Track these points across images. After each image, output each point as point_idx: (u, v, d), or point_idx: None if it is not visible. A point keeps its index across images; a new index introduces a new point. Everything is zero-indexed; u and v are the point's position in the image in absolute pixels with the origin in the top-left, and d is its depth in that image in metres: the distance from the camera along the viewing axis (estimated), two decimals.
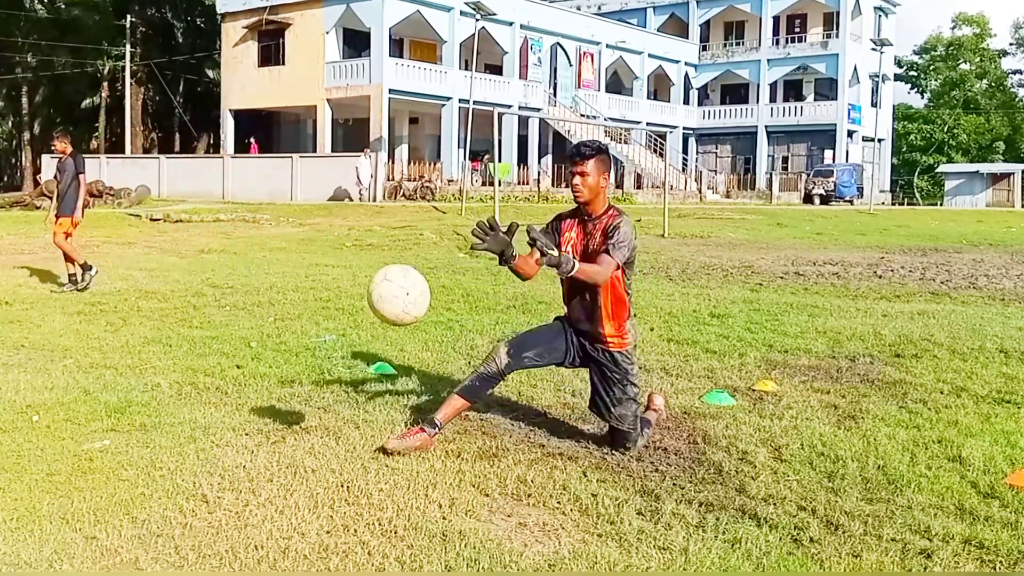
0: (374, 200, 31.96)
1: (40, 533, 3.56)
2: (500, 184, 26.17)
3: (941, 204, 54.49)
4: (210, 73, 51.71)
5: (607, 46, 47.86)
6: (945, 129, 71.97)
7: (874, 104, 51.13)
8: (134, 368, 6.49)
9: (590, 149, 4.65)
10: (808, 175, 48.08)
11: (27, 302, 9.64)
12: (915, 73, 76.86)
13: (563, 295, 4.93)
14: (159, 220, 24.20)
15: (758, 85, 53.65)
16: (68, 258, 11.03)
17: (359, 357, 6.93)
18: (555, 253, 4.28)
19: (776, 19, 53.54)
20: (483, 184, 36.22)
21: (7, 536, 3.53)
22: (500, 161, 30.65)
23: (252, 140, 40.53)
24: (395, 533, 3.63)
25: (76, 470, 4.27)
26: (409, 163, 37.38)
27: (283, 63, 39.59)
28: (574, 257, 4.47)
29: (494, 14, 34.11)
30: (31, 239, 18.32)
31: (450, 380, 6.19)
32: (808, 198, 45.94)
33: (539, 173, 40.50)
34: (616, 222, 4.61)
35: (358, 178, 32.31)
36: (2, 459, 4.43)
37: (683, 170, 48.88)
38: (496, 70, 42.58)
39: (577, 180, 4.62)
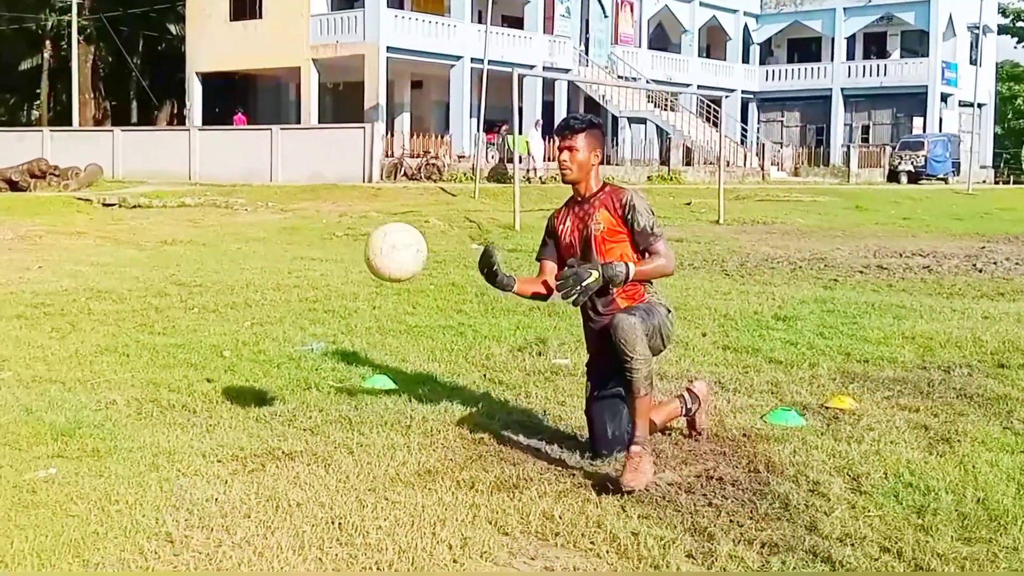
0: (370, 180, 32.05)
1: None
2: (521, 160, 26.22)
3: None
4: (173, 29, 51.80)
5: None
6: None
7: (973, 62, 50.70)
8: (85, 382, 6.53)
9: (580, 122, 5.01)
10: (893, 148, 47.84)
11: None
12: (1023, 24, 76.28)
13: (586, 341, 5.28)
14: (113, 205, 24.34)
15: (832, 39, 53.38)
16: None
17: (353, 369, 6.96)
18: (593, 279, 4.67)
19: None
20: (500, 161, 36.24)
21: None
22: (521, 133, 30.64)
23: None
24: None
25: (16, 504, 4.31)
26: (411, 136, 37.37)
27: (260, 16, 39.68)
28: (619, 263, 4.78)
29: None
30: None
31: (462, 395, 6.21)
32: (893, 175, 45.72)
33: None
34: (626, 199, 4.92)
35: (530, 155, 33.24)
36: None
37: (742, 143, 48.72)
38: (516, 23, 42.56)
39: (565, 156, 4.99)
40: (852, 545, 4.00)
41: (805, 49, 56.12)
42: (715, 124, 42.37)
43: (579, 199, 5.05)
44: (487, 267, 4.90)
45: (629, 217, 4.88)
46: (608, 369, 4.91)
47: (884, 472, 4.85)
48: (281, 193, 28.02)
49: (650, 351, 4.76)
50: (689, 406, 5.38)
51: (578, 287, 4.64)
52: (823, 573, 3.76)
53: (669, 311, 5.03)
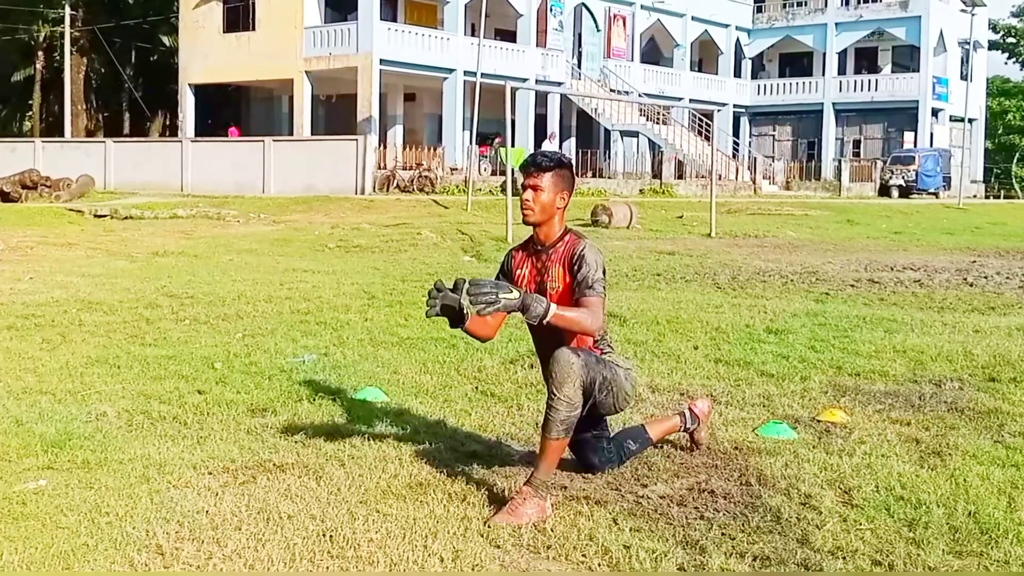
0: (363, 192, 32.07)
1: None
2: (513, 173, 26.25)
3: None
4: (166, 40, 51.83)
5: (642, 7, 47.92)
6: None
7: (964, 77, 50.92)
8: (75, 394, 6.52)
9: (549, 161, 4.71)
10: (884, 162, 47.99)
11: None
12: (1013, 39, 76.56)
13: (539, 358, 5.01)
14: (105, 216, 24.34)
15: (824, 54, 53.57)
16: None
17: (344, 381, 6.94)
18: (512, 296, 4.31)
19: None
20: (493, 173, 36.27)
21: None
22: (513, 145, 30.68)
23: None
24: None
25: (6, 516, 4.29)
26: (404, 148, 37.44)
27: (253, 28, 39.73)
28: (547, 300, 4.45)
29: None
30: None
31: (454, 407, 6.21)
32: (884, 190, 45.85)
33: None
34: (578, 250, 4.62)
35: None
36: None
37: (734, 156, 48.87)
38: (509, 36, 42.66)
39: (528, 195, 4.68)
40: (843, 558, 4.00)
41: (797, 63, 56.33)
42: (707, 138, 42.48)
43: (538, 247, 4.77)
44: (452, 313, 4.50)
45: (576, 267, 4.58)
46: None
47: (875, 485, 4.85)
48: (273, 205, 28.03)
49: (593, 402, 4.57)
50: (688, 426, 5.35)
51: (492, 295, 4.27)
52: None
53: (628, 370, 4.81)
